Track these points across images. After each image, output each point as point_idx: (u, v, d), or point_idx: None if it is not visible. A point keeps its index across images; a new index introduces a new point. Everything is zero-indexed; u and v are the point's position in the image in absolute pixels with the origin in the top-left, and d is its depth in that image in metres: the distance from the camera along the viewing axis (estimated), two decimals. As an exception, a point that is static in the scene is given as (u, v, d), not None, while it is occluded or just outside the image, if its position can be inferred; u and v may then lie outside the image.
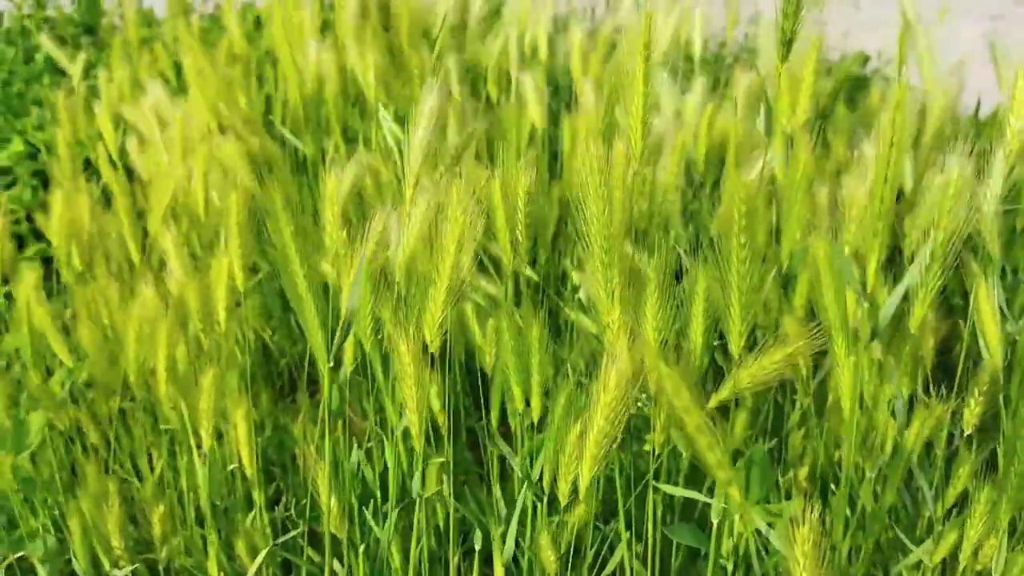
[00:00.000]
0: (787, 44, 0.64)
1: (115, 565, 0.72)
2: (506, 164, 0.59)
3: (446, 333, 0.55)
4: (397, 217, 0.62)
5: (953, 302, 1.07)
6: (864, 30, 1.78)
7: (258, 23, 1.70)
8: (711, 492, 0.59)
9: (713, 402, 0.52)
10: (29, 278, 0.75)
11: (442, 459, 0.64)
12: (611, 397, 0.49)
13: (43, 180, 1.48)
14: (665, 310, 0.52)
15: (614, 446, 0.50)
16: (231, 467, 0.73)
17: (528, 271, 0.87)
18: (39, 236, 1.42)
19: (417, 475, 0.60)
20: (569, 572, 0.65)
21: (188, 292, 0.68)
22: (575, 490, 0.53)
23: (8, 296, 1.20)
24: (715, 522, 0.57)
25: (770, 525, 0.55)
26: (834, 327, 0.48)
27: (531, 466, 0.62)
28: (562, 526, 0.61)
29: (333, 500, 0.58)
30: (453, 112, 0.94)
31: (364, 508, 0.67)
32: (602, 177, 0.49)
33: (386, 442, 0.62)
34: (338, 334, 0.52)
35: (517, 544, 0.67)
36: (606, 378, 0.50)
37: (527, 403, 0.61)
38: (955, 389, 0.67)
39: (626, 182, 0.53)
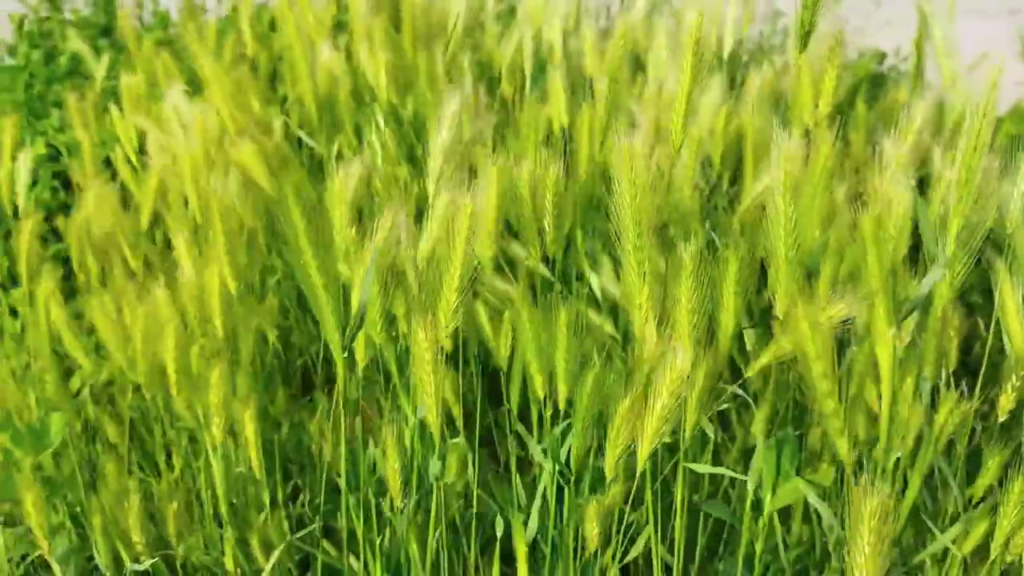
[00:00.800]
0: (805, 36, 0.64)
1: (135, 561, 0.72)
2: (535, 156, 0.60)
3: (457, 329, 0.56)
4: (405, 215, 0.63)
5: (971, 300, 1.06)
6: (881, 27, 1.77)
7: (272, 24, 1.71)
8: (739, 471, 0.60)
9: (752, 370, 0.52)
10: (48, 280, 0.76)
11: (458, 440, 0.65)
12: (677, 375, 0.51)
13: (63, 181, 1.50)
14: (700, 292, 0.53)
15: (673, 423, 0.52)
16: (239, 469, 0.74)
17: (542, 268, 0.87)
18: (59, 236, 1.44)
19: (434, 459, 0.60)
20: (597, 557, 0.65)
21: (189, 294, 0.69)
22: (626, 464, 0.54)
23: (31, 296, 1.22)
24: (751, 490, 0.58)
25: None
26: (877, 296, 0.49)
27: (558, 450, 0.63)
28: (598, 504, 0.62)
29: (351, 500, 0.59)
30: (467, 111, 0.95)
31: (380, 500, 0.67)
32: (634, 163, 0.50)
33: (405, 431, 0.62)
34: (350, 327, 0.53)
35: (538, 531, 0.67)
36: (673, 357, 0.51)
37: (551, 391, 0.61)
38: (979, 385, 0.66)
39: (652, 172, 0.54)
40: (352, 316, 0.53)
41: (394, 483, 0.61)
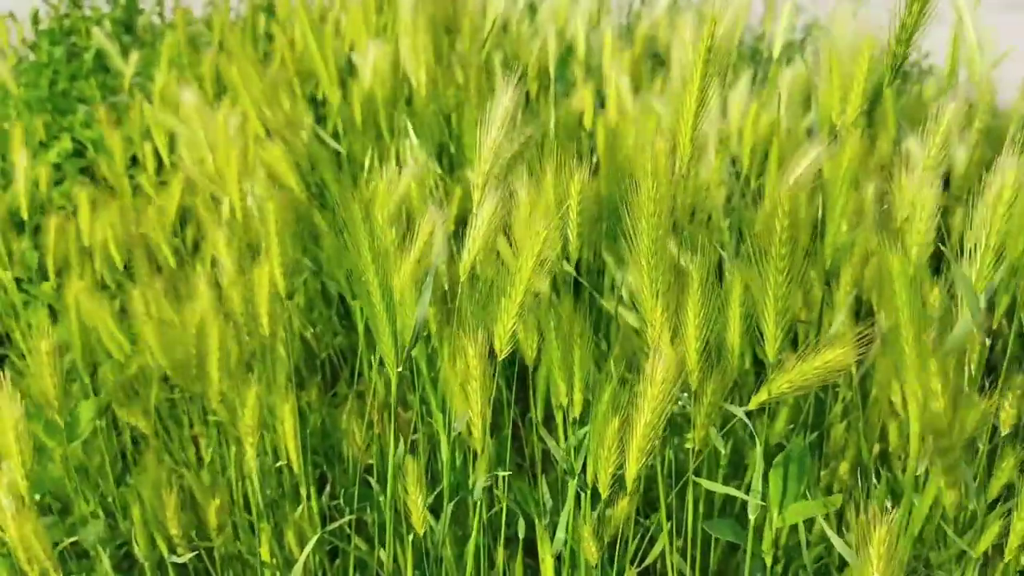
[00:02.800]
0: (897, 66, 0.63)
1: (172, 551, 0.74)
2: (562, 162, 0.60)
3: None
4: (443, 221, 0.63)
5: (993, 298, 1.06)
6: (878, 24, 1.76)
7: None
8: (748, 491, 0.60)
9: (753, 404, 0.53)
10: (79, 274, 0.78)
11: (492, 459, 0.65)
12: (657, 391, 0.50)
13: (91, 177, 1.52)
14: (708, 309, 0.53)
15: (659, 439, 0.51)
16: (280, 464, 0.75)
17: (567, 266, 0.88)
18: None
19: (476, 477, 0.61)
20: (614, 563, 0.66)
21: (233, 295, 0.71)
22: (617, 483, 0.54)
23: (57, 289, 1.24)
24: (752, 519, 0.58)
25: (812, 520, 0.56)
26: (906, 340, 0.48)
27: (575, 459, 0.63)
28: (604, 519, 0.62)
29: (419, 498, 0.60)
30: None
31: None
32: (654, 178, 0.49)
33: (441, 441, 0.63)
34: (406, 341, 0.53)
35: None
36: (653, 373, 0.50)
37: (571, 398, 0.62)
38: (999, 385, 0.67)
39: (673, 180, 0.53)
40: (405, 330, 0.52)
41: (416, 513, 0.61)
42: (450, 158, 1.09)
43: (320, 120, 1.28)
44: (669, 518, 0.64)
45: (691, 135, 0.53)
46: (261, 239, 0.73)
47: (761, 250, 0.51)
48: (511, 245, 0.55)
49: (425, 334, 0.67)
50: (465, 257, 0.56)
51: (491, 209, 0.55)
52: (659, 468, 0.61)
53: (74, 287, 0.79)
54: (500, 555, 0.69)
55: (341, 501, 0.78)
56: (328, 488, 0.93)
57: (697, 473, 0.62)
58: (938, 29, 0.99)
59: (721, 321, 0.55)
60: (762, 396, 0.54)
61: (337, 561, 0.86)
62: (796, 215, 0.50)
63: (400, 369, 0.53)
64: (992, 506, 0.65)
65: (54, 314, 1.24)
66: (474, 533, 0.62)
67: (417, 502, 0.59)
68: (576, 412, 0.61)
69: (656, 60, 1.37)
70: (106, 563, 0.79)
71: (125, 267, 0.98)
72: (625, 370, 0.72)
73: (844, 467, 0.77)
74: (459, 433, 0.64)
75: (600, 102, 1.15)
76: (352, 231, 0.50)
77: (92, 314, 0.82)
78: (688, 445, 0.64)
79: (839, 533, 0.72)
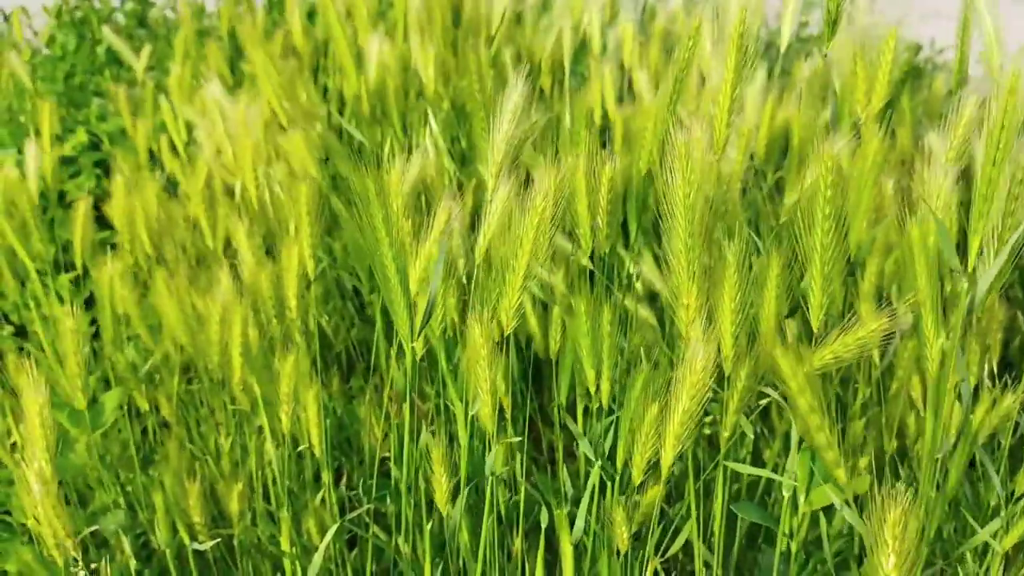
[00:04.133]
0: (833, 24, 0.65)
1: (193, 539, 0.75)
2: (590, 150, 0.61)
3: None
4: (459, 209, 0.64)
5: (1012, 294, 1.06)
6: (917, 20, 1.76)
7: (311, 16, 1.73)
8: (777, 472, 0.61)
9: (812, 362, 0.53)
10: (114, 263, 0.78)
11: (515, 439, 0.66)
12: (697, 379, 0.51)
13: (105, 169, 1.53)
14: (743, 293, 0.54)
15: (696, 427, 0.52)
16: (302, 447, 0.76)
17: (584, 259, 0.88)
18: (101, 223, 1.47)
19: (489, 456, 0.61)
20: (636, 553, 0.67)
21: (262, 279, 0.71)
22: (651, 469, 0.55)
23: (75, 282, 1.25)
24: (786, 495, 0.59)
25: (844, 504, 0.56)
26: (925, 307, 0.49)
27: (602, 447, 0.64)
28: (634, 505, 0.62)
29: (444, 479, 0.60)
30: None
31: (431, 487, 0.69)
32: (687, 161, 0.50)
33: (459, 424, 0.64)
34: (418, 320, 0.54)
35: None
36: (693, 360, 0.51)
37: (597, 386, 0.62)
38: (1022, 378, 0.67)
39: (705, 167, 0.54)
40: (418, 307, 0.54)
41: (440, 495, 0.61)
42: (461, 151, 1.10)
43: (329, 112, 1.29)
44: (696, 505, 0.64)
45: (727, 120, 0.54)
46: (281, 226, 0.74)
47: (807, 220, 0.52)
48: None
49: (443, 324, 0.67)
50: (480, 241, 0.57)
51: (504, 196, 0.56)
52: (688, 455, 0.61)
53: (106, 275, 0.80)
54: (518, 544, 0.69)
55: (360, 491, 0.78)
56: (344, 480, 0.94)
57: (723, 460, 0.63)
58: (951, 24, 0.99)
59: (757, 304, 0.56)
60: (818, 356, 0.55)
61: (355, 550, 0.87)
62: (840, 178, 0.51)
63: (417, 346, 0.54)
64: (1017, 502, 0.65)
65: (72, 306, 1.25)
66: (486, 514, 0.63)
67: (442, 482, 0.60)
68: (604, 400, 0.62)
69: (670, 55, 1.37)
70: (127, 551, 0.80)
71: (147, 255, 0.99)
72: (650, 361, 0.72)
73: (864, 462, 0.77)
74: (476, 421, 0.65)
75: (617, 96, 1.15)
76: (367, 207, 0.51)
77: (124, 300, 0.82)
78: (707, 432, 0.64)
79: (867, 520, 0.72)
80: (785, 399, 0.52)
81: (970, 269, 0.48)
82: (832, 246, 0.52)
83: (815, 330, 0.53)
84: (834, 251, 0.52)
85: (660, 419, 0.54)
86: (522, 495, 0.67)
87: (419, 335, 0.54)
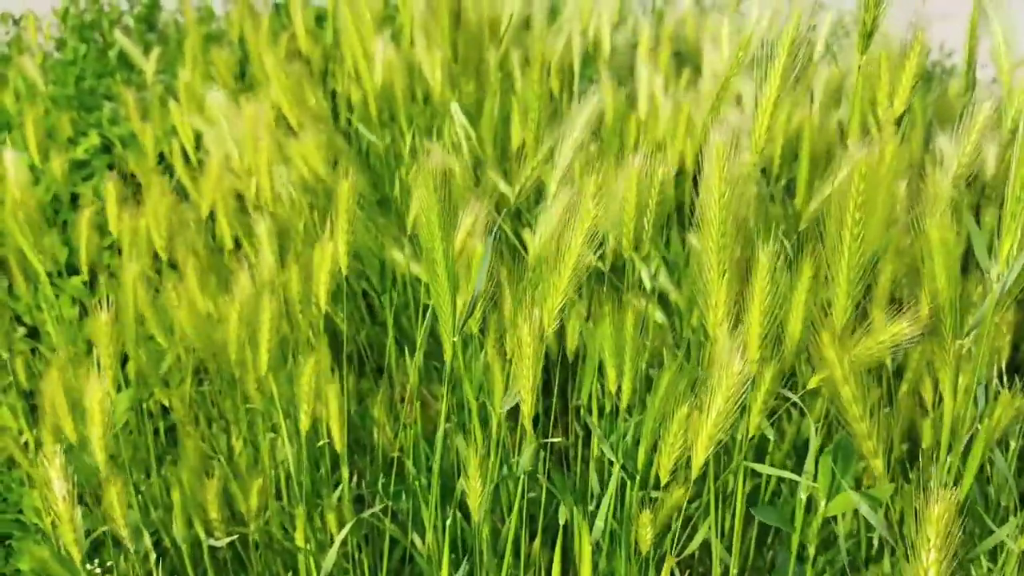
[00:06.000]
0: (867, 36, 0.66)
1: (209, 535, 0.75)
2: (648, 155, 0.61)
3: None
4: (492, 210, 0.65)
5: (1022, 298, 1.06)
6: (926, 23, 1.76)
7: (320, 20, 1.74)
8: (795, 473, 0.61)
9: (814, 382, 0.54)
10: (133, 266, 0.79)
11: (541, 441, 0.67)
12: (733, 380, 0.51)
13: (119, 173, 1.54)
14: (773, 296, 0.54)
15: (730, 429, 0.52)
16: (321, 443, 0.76)
17: (597, 262, 0.89)
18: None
19: (524, 454, 0.62)
20: (653, 552, 0.67)
21: (291, 277, 0.72)
22: (680, 470, 0.55)
23: (88, 284, 1.25)
24: (803, 498, 0.59)
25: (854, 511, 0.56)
26: (944, 308, 0.49)
27: (624, 447, 0.64)
28: (658, 505, 0.63)
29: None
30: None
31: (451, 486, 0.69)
32: (724, 163, 0.51)
33: (492, 423, 0.64)
34: (461, 313, 0.54)
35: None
36: (731, 361, 0.52)
37: (619, 387, 0.63)
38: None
39: (741, 171, 0.55)
40: (463, 304, 0.54)
41: (474, 500, 0.62)
42: (475, 155, 1.11)
43: (337, 116, 1.30)
44: (716, 507, 0.64)
45: (768, 123, 0.55)
46: (304, 225, 0.74)
47: (837, 222, 0.52)
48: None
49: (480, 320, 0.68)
50: (536, 243, 0.58)
51: (564, 202, 0.57)
52: (710, 456, 0.62)
53: (128, 277, 0.80)
54: (537, 542, 0.70)
55: (378, 488, 0.79)
56: (356, 479, 0.94)
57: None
58: (960, 27, 0.99)
59: (785, 307, 0.57)
60: (813, 382, 0.55)
61: (368, 547, 0.87)
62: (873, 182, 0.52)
63: (456, 341, 0.54)
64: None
65: (84, 309, 1.25)
66: (514, 516, 0.63)
67: (476, 487, 0.60)
68: (625, 401, 0.62)
69: (679, 59, 1.38)
70: (147, 546, 0.80)
71: (157, 258, 1.00)
72: (666, 361, 0.73)
73: (878, 465, 0.78)
74: (495, 421, 0.65)
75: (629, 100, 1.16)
76: (423, 200, 0.51)
77: (142, 301, 0.83)
78: (739, 435, 0.64)
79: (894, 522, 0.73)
80: (808, 399, 0.53)
81: (1004, 270, 0.49)
82: (859, 251, 0.52)
83: (838, 331, 0.54)
84: (860, 256, 0.52)
85: (689, 419, 0.54)
86: (543, 493, 0.67)
87: (461, 328, 0.54)
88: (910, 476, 0.81)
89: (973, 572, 0.69)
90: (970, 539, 0.74)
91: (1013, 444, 0.72)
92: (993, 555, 0.72)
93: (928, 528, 0.41)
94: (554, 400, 0.75)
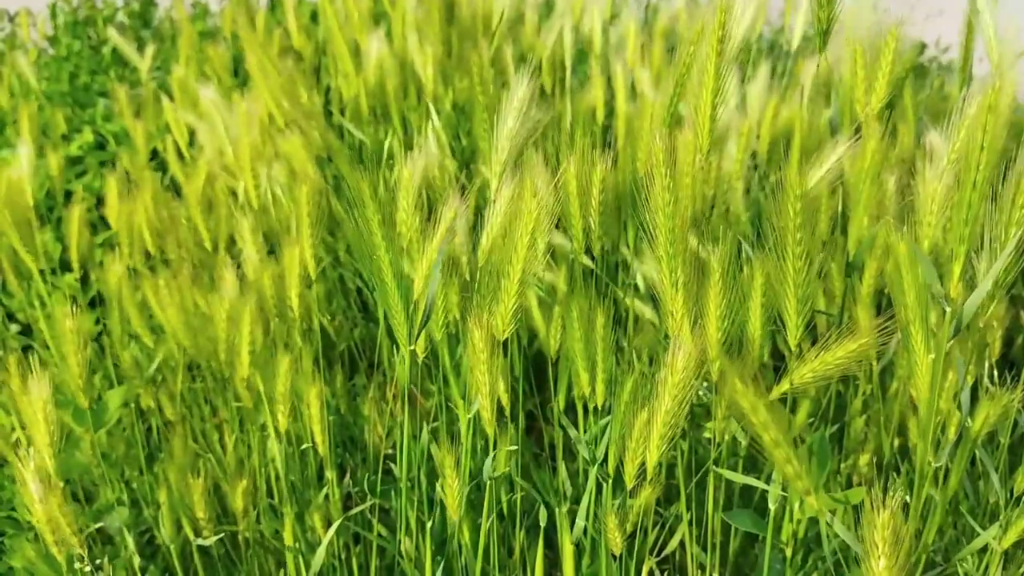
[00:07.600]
0: (824, 34, 0.65)
1: (198, 535, 0.75)
2: (583, 152, 0.61)
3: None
4: (464, 207, 0.64)
5: (1014, 292, 1.05)
6: (922, 19, 1.75)
7: (314, 17, 1.73)
8: (769, 479, 0.60)
9: (775, 393, 0.53)
10: (117, 264, 0.79)
11: (514, 447, 0.66)
12: (678, 379, 0.51)
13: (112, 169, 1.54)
14: (729, 300, 0.54)
15: (679, 428, 0.52)
16: (305, 446, 0.76)
17: (584, 259, 0.88)
18: (107, 223, 1.47)
19: (489, 460, 0.62)
20: (633, 553, 0.67)
21: (264, 278, 0.71)
22: (642, 473, 0.55)
23: (82, 281, 1.25)
24: (772, 508, 0.58)
25: (833, 512, 0.56)
26: (913, 326, 0.48)
27: (595, 449, 0.64)
28: (627, 508, 0.62)
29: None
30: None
31: (432, 486, 0.69)
32: (668, 169, 0.50)
33: (461, 424, 0.64)
34: (417, 319, 0.54)
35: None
36: (674, 362, 0.51)
37: (592, 388, 0.62)
38: (1022, 377, 0.67)
39: (692, 172, 0.54)
40: (417, 309, 0.54)
41: (452, 500, 0.61)
42: (462, 151, 1.10)
43: (329, 113, 1.29)
44: (688, 508, 0.64)
45: (709, 127, 0.54)
46: (282, 225, 0.74)
47: (781, 240, 0.52)
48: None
49: (445, 322, 0.67)
50: (484, 242, 0.57)
51: (508, 196, 0.56)
52: (679, 459, 0.61)
53: (113, 276, 0.80)
54: (519, 541, 0.69)
55: (364, 487, 0.79)
56: (347, 477, 0.94)
57: (716, 464, 0.62)
58: (956, 23, 0.99)
59: (742, 312, 0.56)
60: (784, 386, 0.54)
61: (358, 547, 0.87)
62: (815, 203, 0.51)
63: (417, 350, 0.54)
64: (1017, 501, 0.65)
65: (76, 305, 1.25)
66: (485, 515, 0.63)
67: (453, 487, 0.60)
68: (598, 402, 0.62)
69: (673, 54, 1.37)
70: (131, 548, 0.80)
71: (148, 255, 0.99)
72: (645, 363, 0.72)
73: (864, 460, 0.77)
74: (478, 420, 0.65)
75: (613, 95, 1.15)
76: (363, 210, 0.51)
77: (128, 299, 0.83)
78: (707, 435, 0.64)
79: (859, 526, 0.72)
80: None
81: (952, 295, 0.47)
82: (804, 270, 0.51)
83: (792, 348, 0.53)
84: (807, 274, 0.51)
85: (648, 422, 0.54)
86: (518, 494, 0.67)
87: (416, 338, 0.54)
88: (902, 469, 0.80)
89: (961, 571, 0.68)
90: (959, 536, 0.74)
91: (1003, 440, 0.72)
92: (983, 552, 0.72)
93: (875, 535, 0.40)
94: (547, 394, 0.75)
